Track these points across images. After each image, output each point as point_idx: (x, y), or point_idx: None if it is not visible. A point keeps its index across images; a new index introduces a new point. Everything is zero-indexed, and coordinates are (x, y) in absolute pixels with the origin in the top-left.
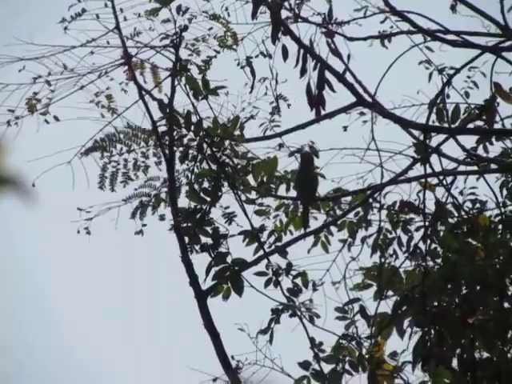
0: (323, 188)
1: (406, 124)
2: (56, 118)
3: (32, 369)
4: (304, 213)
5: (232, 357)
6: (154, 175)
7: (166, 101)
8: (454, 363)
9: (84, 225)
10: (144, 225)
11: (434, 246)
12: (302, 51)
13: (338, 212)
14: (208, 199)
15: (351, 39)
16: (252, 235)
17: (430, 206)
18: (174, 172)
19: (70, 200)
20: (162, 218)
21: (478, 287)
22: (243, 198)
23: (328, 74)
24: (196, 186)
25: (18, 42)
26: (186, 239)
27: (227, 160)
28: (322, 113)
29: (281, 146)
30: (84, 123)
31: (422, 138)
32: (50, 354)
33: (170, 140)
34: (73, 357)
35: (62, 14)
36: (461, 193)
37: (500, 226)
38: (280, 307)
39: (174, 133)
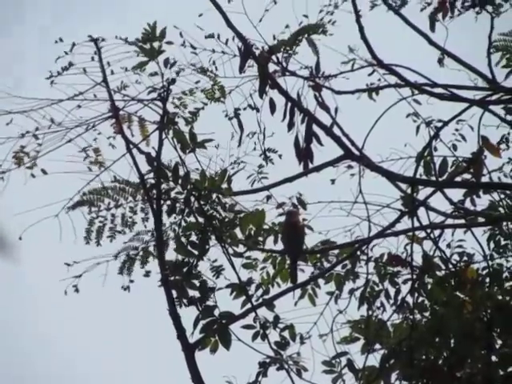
0: (311, 240)
1: (393, 177)
2: (43, 172)
3: None
4: (292, 268)
5: None
6: (142, 229)
7: (153, 154)
8: None
9: (72, 282)
10: (131, 281)
11: (421, 298)
12: (289, 105)
13: (326, 264)
14: (195, 252)
15: (339, 92)
16: (239, 288)
17: (418, 259)
18: (162, 225)
19: (56, 253)
20: (147, 274)
21: (466, 340)
22: (231, 251)
23: (316, 128)
24: (183, 239)
25: (5, 96)
26: (174, 292)
27: (214, 213)
28: (310, 166)
29: (268, 198)
30: (71, 177)
31: (409, 191)
32: None
33: (158, 193)
34: None
35: (49, 67)
36: (448, 246)
37: (487, 279)
38: (267, 360)
39: (162, 186)
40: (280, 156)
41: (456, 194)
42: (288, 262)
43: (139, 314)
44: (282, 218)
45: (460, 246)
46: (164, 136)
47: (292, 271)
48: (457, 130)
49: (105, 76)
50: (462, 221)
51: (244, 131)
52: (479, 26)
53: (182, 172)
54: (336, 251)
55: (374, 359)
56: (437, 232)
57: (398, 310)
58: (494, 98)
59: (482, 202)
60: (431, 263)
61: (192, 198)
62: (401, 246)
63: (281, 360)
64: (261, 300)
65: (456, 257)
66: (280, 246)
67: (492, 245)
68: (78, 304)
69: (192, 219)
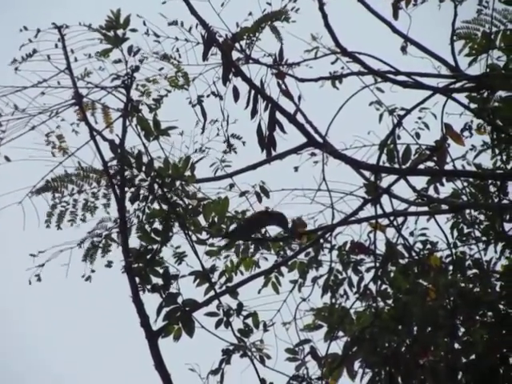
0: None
1: (356, 165)
2: (7, 159)
3: None
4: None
5: None
6: (106, 216)
7: (117, 141)
8: None
9: (36, 271)
10: (92, 270)
11: (384, 286)
12: (252, 92)
13: (289, 252)
14: (159, 239)
15: (302, 80)
16: (203, 276)
17: (381, 247)
18: (125, 212)
19: (20, 241)
20: (109, 264)
21: (429, 328)
22: (194, 238)
23: (279, 115)
24: (147, 227)
25: None
26: (137, 280)
27: (178, 200)
28: (273, 153)
29: (231, 186)
30: (35, 163)
31: (372, 178)
32: None
33: (121, 180)
34: None
35: (12, 54)
36: (411, 233)
37: (451, 267)
38: (231, 348)
39: (125, 173)
40: (243, 143)
41: (419, 181)
42: (252, 250)
43: (102, 301)
44: (246, 205)
45: (423, 234)
46: (128, 123)
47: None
48: (420, 117)
49: (68, 63)
50: (426, 208)
51: (207, 118)
52: (442, 13)
53: (145, 159)
54: None
55: (337, 347)
56: (400, 220)
57: (361, 298)
58: (458, 85)
59: (446, 189)
60: (394, 251)
61: (155, 186)
62: (364, 233)
63: (244, 347)
64: (224, 287)
65: (419, 244)
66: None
67: (455, 233)
68: (41, 292)
69: (155, 206)
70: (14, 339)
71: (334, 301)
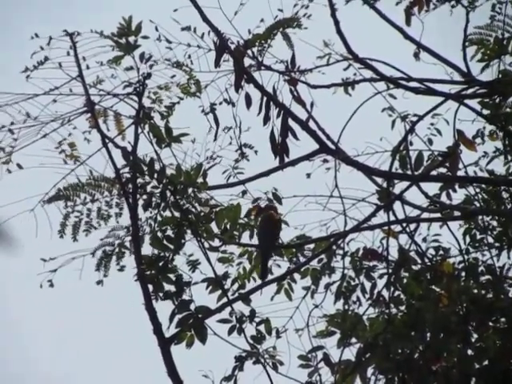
0: (286, 235)
1: (369, 171)
2: (19, 166)
3: None
4: (262, 264)
5: None
6: (118, 225)
7: (129, 148)
8: None
9: (48, 277)
10: (105, 275)
11: (397, 293)
12: (265, 99)
13: (301, 259)
14: (171, 247)
15: (314, 87)
16: (215, 282)
17: (394, 253)
18: (138, 220)
19: (32, 249)
20: (121, 268)
21: (442, 334)
22: (206, 245)
23: (291, 122)
24: (159, 234)
25: None
26: (150, 287)
27: (190, 207)
28: (286, 160)
29: (244, 193)
30: (47, 171)
31: (385, 185)
32: None
33: (134, 188)
34: None
35: (24, 62)
36: (424, 240)
37: (463, 273)
38: (243, 354)
39: (138, 180)
40: (256, 152)
41: (432, 188)
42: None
43: (115, 309)
44: (256, 215)
45: (436, 240)
46: (140, 130)
47: (262, 267)
48: (432, 124)
49: (80, 70)
50: (438, 215)
51: (220, 126)
52: (454, 19)
53: (157, 166)
54: (312, 245)
55: (350, 353)
56: (412, 226)
57: (374, 304)
58: (470, 91)
59: (458, 196)
60: (407, 257)
61: (168, 193)
62: (376, 240)
63: (257, 354)
64: (237, 294)
65: (432, 251)
66: (256, 241)
67: (468, 239)
68: (54, 299)
69: (168, 213)
70: (25, 346)
71: (346, 307)
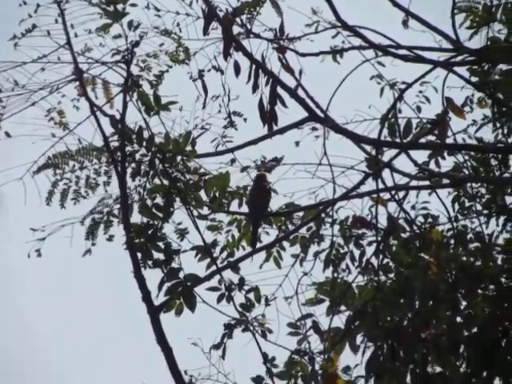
0: (275, 203)
1: (357, 139)
2: (7, 134)
3: None
4: (253, 232)
5: (185, 372)
6: (107, 193)
7: (117, 116)
8: (407, 378)
9: (36, 246)
10: (93, 244)
11: (386, 260)
12: (253, 67)
13: (290, 227)
14: (160, 215)
15: (303, 55)
16: (204, 250)
17: (383, 221)
18: (126, 188)
19: (21, 217)
20: (110, 238)
21: (431, 302)
22: (195, 213)
23: (280, 90)
24: (148, 202)
25: None
26: (139, 255)
27: (179, 175)
28: (274, 128)
29: (233, 161)
30: (35, 139)
31: (373, 152)
32: None
33: (122, 156)
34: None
35: (12, 29)
36: (413, 207)
37: (452, 241)
38: (233, 322)
39: (126, 148)
40: (245, 120)
41: (420, 155)
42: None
43: (104, 276)
44: (248, 181)
45: (424, 208)
46: (128, 98)
47: (252, 235)
48: (421, 91)
49: (68, 38)
50: (427, 182)
51: (208, 93)
52: None
53: (146, 134)
54: (301, 213)
55: (340, 321)
56: (401, 194)
57: (363, 272)
58: (459, 59)
59: (447, 163)
60: (396, 225)
61: (156, 161)
62: (365, 207)
63: (246, 322)
64: (226, 262)
65: (421, 218)
66: (245, 209)
67: (456, 206)
68: (43, 268)
69: (157, 182)
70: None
71: (335, 275)
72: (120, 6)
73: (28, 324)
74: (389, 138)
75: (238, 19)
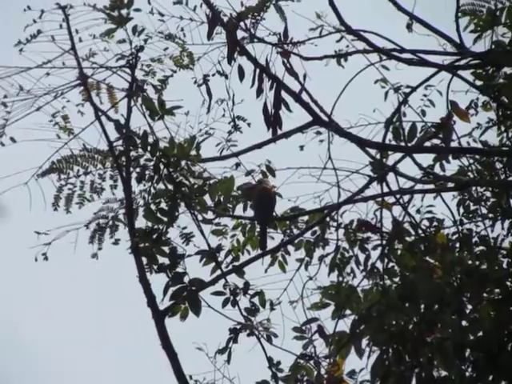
0: (280, 207)
1: (362, 143)
2: (12, 140)
3: None
4: (262, 234)
5: (190, 376)
6: (112, 197)
7: (122, 121)
8: (413, 382)
9: (42, 250)
10: (100, 248)
11: (391, 264)
12: (258, 71)
13: (295, 231)
14: (165, 219)
15: (307, 59)
16: (209, 255)
17: (387, 225)
18: (131, 193)
19: (26, 221)
20: (116, 242)
21: (436, 305)
22: (200, 218)
23: (284, 94)
24: (153, 207)
25: None
26: (144, 260)
27: (184, 180)
28: (279, 132)
29: (237, 165)
30: (40, 144)
31: (378, 156)
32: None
33: (127, 160)
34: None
35: (17, 35)
36: (418, 211)
37: (457, 244)
38: (238, 327)
39: (131, 153)
40: (249, 124)
41: (425, 159)
42: (258, 229)
43: (109, 281)
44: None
45: (429, 212)
46: (133, 103)
47: (261, 237)
48: (425, 95)
49: (73, 43)
50: (432, 186)
51: (213, 98)
52: None
53: (150, 139)
54: (305, 218)
55: (345, 325)
56: (406, 197)
57: (368, 276)
58: (463, 62)
59: (452, 167)
60: (401, 229)
61: (161, 165)
62: (370, 211)
63: (251, 326)
64: (231, 266)
65: (426, 222)
66: (250, 213)
67: (461, 210)
68: (48, 273)
69: (161, 186)
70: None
71: (340, 279)
72: (124, 11)
73: (33, 329)
74: (393, 142)
75: (242, 24)
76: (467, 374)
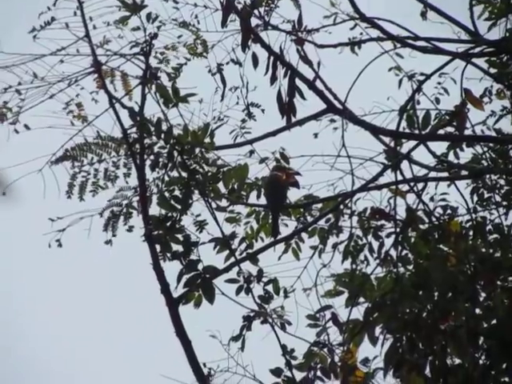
0: (294, 195)
1: (376, 130)
2: (26, 127)
3: None
4: (274, 222)
5: (204, 364)
6: (125, 185)
7: (136, 109)
8: (426, 370)
9: (56, 236)
10: (114, 235)
11: (405, 252)
12: (272, 59)
13: (309, 219)
14: (179, 207)
15: (321, 46)
16: (223, 242)
17: (401, 213)
18: (145, 180)
19: (40, 208)
20: (130, 229)
21: (450, 293)
22: (214, 205)
23: (298, 82)
24: (167, 194)
25: None
26: (158, 247)
27: (198, 167)
28: (293, 120)
29: (251, 153)
30: (54, 132)
31: (392, 144)
32: None
33: (141, 148)
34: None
35: (31, 22)
36: (431, 199)
37: (471, 232)
38: (251, 314)
39: (145, 141)
40: (263, 111)
41: (439, 147)
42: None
43: (123, 269)
44: (266, 172)
45: (443, 199)
46: (147, 91)
47: (273, 225)
48: (439, 83)
49: (87, 31)
50: (446, 174)
51: (227, 85)
52: None
53: (164, 127)
54: (319, 205)
55: (358, 312)
56: (420, 185)
57: (382, 264)
58: (477, 50)
59: (466, 155)
60: (415, 216)
61: (175, 153)
62: (384, 199)
63: (265, 314)
64: (244, 254)
65: (439, 210)
66: (263, 201)
67: (475, 198)
68: (62, 260)
69: (175, 174)
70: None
71: (354, 267)
72: None
73: (47, 315)
74: (407, 130)
75: (256, 11)
76: (481, 361)
